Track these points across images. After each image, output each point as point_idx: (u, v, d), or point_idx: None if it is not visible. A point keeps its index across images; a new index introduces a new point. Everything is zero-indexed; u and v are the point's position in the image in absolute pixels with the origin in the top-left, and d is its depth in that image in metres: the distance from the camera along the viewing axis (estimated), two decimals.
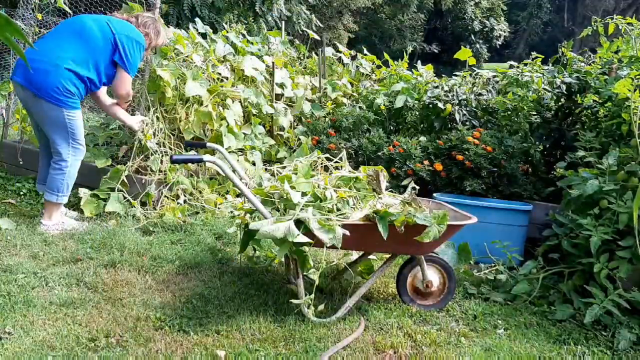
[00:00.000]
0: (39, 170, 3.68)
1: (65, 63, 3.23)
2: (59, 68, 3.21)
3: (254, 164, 4.40)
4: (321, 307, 2.46)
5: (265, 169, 4.41)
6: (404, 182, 3.50)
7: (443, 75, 5.58)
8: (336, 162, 2.77)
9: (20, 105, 4.64)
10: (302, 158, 2.79)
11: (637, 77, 3.18)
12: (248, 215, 2.89)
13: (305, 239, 2.25)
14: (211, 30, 5.39)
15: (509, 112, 4.42)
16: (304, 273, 2.53)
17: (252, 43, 5.49)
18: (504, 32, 26.56)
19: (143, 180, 3.88)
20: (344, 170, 2.82)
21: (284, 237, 2.22)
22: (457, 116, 4.48)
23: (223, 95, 4.36)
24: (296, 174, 2.66)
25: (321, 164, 2.93)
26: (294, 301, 2.41)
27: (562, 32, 29.83)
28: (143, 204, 3.85)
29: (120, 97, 3.54)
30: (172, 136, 4.18)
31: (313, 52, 6.81)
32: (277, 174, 2.77)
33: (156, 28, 3.58)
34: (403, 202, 2.60)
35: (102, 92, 3.65)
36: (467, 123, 4.45)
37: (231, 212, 3.70)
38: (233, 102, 4.45)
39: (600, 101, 3.67)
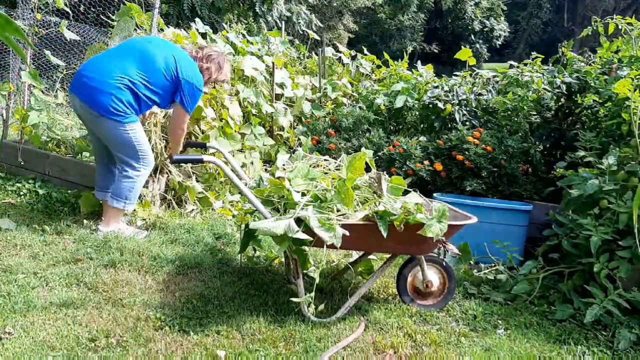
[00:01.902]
0: (96, 179, 3.59)
1: (118, 80, 3.17)
2: (111, 85, 3.16)
3: (252, 163, 4.40)
4: (321, 307, 2.46)
5: (265, 169, 4.43)
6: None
7: (443, 75, 5.59)
8: (337, 165, 2.76)
9: (20, 105, 4.65)
10: (300, 160, 2.78)
11: (637, 77, 3.18)
12: (248, 215, 2.89)
13: (304, 236, 2.25)
14: (211, 31, 5.39)
15: (509, 112, 4.42)
16: (304, 271, 2.53)
17: (252, 43, 5.49)
18: (504, 32, 26.58)
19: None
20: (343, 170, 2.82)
21: (284, 234, 2.22)
22: (457, 116, 4.48)
23: (220, 98, 4.35)
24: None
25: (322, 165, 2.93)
26: (294, 299, 2.41)
27: (562, 32, 29.84)
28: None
29: (173, 133, 3.43)
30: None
31: (313, 52, 6.82)
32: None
33: (218, 63, 3.48)
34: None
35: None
36: (467, 123, 4.45)
37: (230, 210, 3.69)
38: (231, 102, 4.45)
39: (600, 101, 3.67)
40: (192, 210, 3.95)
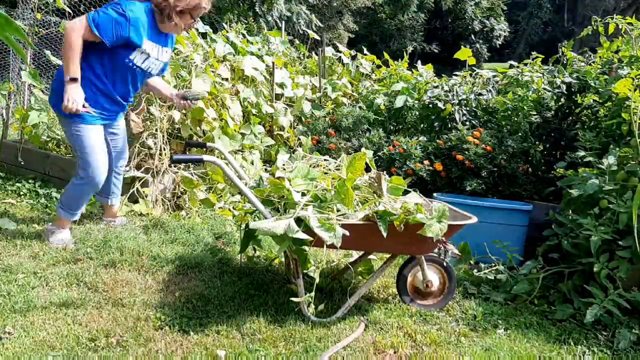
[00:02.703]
0: None
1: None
2: (55, 81, 3.03)
3: (252, 163, 4.40)
4: (321, 306, 2.46)
5: (265, 169, 4.43)
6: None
7: (443, 75, 5.59)
8: (337, 165, 2.76)
9: (20, 105, 4.65)
10: (300, 160, 2.78)
11: (637, 76, 3.18)
12: (248, 215, 2.89)
13: (304, 236, 2.25)
14: (211, 30, 5.39)
15: (509, 112, 4.42)
16: (304, 271, 2.52)
17: (252, 43, 5.49)
18: (504, 32, 26.59)
19: (143, 180, 3.88)
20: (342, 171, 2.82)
21: (284, 234, 2.22)
22: (457, 116, 4.48)
23: (222, 97, 4.35)
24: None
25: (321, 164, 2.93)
26: (294, 299, 2.41)
27: (562, 32, 29.86)
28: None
29: (66, 28, 2.82)
30: (172, 135, 4.18)
31: (313, 52, 6.82)
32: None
33: None
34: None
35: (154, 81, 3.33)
36: (467, 123, 4.45)
37: (230, 210, 3.69)
38: (233, 101, 4.45)
39: (600, 101, 3.67)
40: (192, 210, 3.95)
